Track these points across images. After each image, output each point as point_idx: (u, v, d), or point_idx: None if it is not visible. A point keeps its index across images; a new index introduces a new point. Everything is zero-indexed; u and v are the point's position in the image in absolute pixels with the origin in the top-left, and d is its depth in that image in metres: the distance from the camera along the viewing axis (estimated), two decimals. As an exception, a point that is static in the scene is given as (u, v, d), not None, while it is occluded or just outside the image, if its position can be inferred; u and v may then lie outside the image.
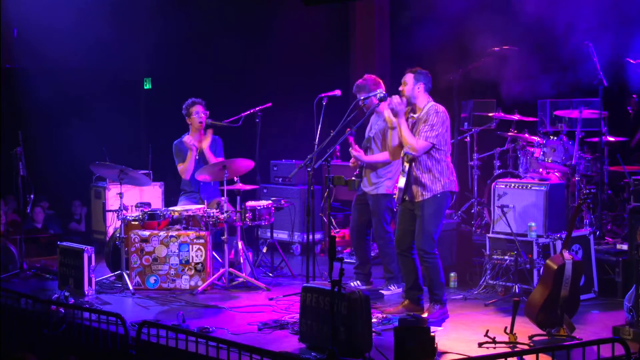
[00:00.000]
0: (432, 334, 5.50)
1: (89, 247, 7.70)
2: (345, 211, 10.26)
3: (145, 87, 12.16)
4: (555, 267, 6.19)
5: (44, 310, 6.79)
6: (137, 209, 8.23)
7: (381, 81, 7.69)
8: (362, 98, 7.53)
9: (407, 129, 6.66)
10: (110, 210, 8.96)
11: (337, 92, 7.83)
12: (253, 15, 11.61)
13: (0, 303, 7.13)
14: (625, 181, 8.38)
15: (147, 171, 9.87)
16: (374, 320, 6.23)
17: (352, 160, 7.74)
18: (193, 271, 7.85)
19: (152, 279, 7.86)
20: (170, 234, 7.87)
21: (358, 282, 7.79)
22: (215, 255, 8.23)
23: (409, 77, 6.77)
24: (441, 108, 6.73)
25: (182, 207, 8.26)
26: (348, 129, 7.29)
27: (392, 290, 7.70)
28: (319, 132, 7.55)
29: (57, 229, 10.64)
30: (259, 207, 8.17)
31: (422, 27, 9.87)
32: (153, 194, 9.87)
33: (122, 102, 11.49)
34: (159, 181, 10.08)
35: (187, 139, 8.49)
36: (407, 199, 6.76)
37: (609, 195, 8.86)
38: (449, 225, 8.29)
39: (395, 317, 6.50)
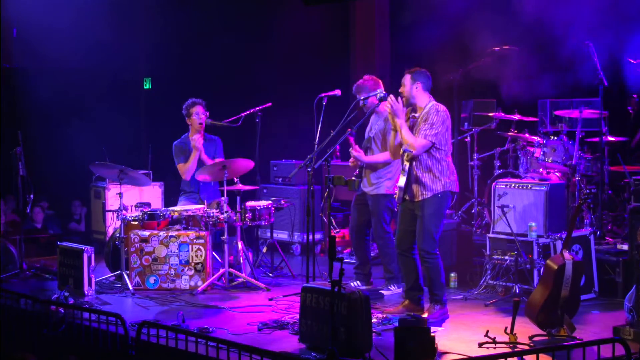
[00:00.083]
0: (432, 334, 5.49)
1: (88, 247, 7.69)
2: (345, 211, 10.25)
3: (145, 87, 12.15)
4: (556, 267, 6.18)
5: (43, 311, 6.78)
6: (137, 209, 8.23)
7: (381, 81, 7.69)
8: (362, 98, 7.53)
9: (406, 128, 6.66)
10: (110, 210, 8.96)
11: (337, 92, 7.83)
12: (253, 15, 11.60)
13: (0, 303, 7.12)
14: (626, 181, 8.37)
15: (147, 171, 9.87)
16: (374, 320, 6.22)
17: (351, 160, 7.74)
18: (193, 271, 7.85)
19: (151, 279, 7.85)
20: (170, 234, 7.86)
21: (358, 282, 7.78)
22: (215, 255, 8.22)
23: (406, 78, 6.78)
24: (442, 107, 6.72)
25: (181, 207, 8.26)
26: (349, 129, 7.29)
27: (392, 291, 7.69)
28: (319, 132, 7.55)
29: (56, 229, 10.63)
30: (258, 207, 8.16)
31: (422, 27, 9.88)
32: (153, 194, 9.86)
33: (122, 102, 11.49)
34: (158, 181, 10.08)
35: (196, 136, 8.46)
36: (407, 198, 6.75)
37: (610, 195, 8.85)
38: (449, 225, 8.29)
39: (395, 317, 6.50)
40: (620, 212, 8.85)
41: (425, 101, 6.77)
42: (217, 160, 8.47)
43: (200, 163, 8.48)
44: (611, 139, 8.79)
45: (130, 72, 11.82)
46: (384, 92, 7.30)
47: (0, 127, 10.21)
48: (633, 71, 8.60)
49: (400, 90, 6.80)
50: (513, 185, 8.03)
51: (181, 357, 5.85)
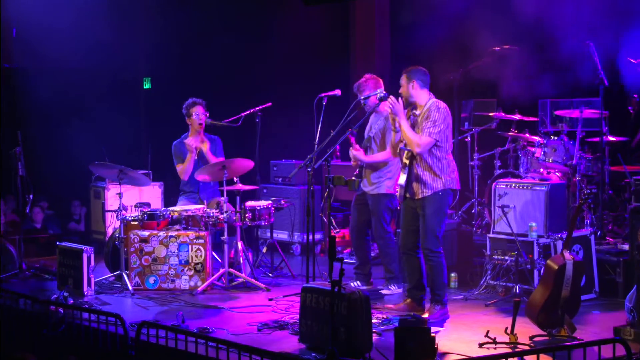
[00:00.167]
0: (432, 334, 5.48)
1: (88, 247, 7.68)
2: (345, 211, 10.24)
3: (144, 87, 12.14)
4: (556, 267, 6.18)
5: (43, 311, 6.78)
6: (137, 209, 8.22)
7: (381, 80, 7.68)
8: (362, 98, 7.53)
9: (409, 128, 6.65)
10: (109, 211, 8.95)
11: (337, 92, 7.81)
12: (253, 15, 11.59)
13: (-1, 303, 7.13)
14: (626, 181, 8.36)
15: (147, 171, 9.86)
16: (374, 320, 6.21)
17: (352, 160, 7.72)
18: (193, 271, 7.84)
19: (151, 279, 7.84)
20: (169, 234, 7.85)
21: (358, 282, 7.77)
22: (215, 255, 8.21)
23: (402, 78, 6.80)
24: (442, 104, 6.72)
25: (181, 207, 8.25)
26: (349, 129, 7.28)
27: (392, 290, 7.68)
28: (319, 132, 7.54)
29: (56, 229, 10.62)
30: (258, 207, 8.15)
31: (422, 27, 9.88)
32: (152, 194, 9.85)
33: (122, 102, 11.47)
34: (158, 181, 10.07)
35: (189, 140, 8.47)
36: (408, 196, 6.75)
37: (610, 195, 8.84)
38: (449, 225, 8.27)
39: (395, 318, 6.50)
40: (621, 212, 8.84)
41: (425, 99, 6.76)
42: (217, 160, 8.45)
43: (204, 161, 8.46)
44: (612, 138, 8.78)
45: (130, 72, 11.81)
46: (384, 92, 7.29)
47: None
48: (633, 71, 8.59)
49: (399, 91, 6.81)
50: (513, 185, 8.02)
51: (181, 357, 5.85)
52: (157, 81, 12.06)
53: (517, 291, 7.38)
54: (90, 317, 6.50)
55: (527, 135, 8.98)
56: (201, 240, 7.82)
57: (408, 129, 6.65)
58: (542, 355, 5.40)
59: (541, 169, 8.43)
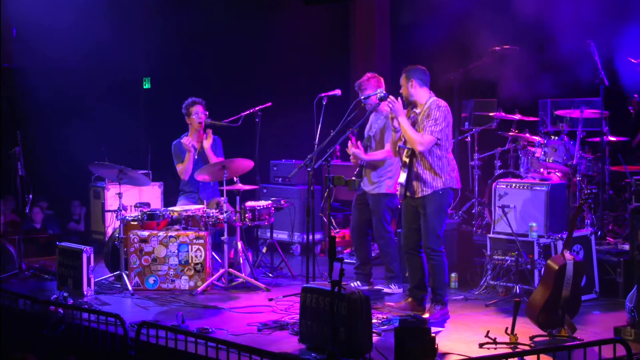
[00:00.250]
0: (433, 334, 5.47)
1: (88, 247, 7.67)
2: (345, 211, 10.24)
3: (144, 87, 12.13)
4: (557, 267, 6.17)
5: (42, 311, 6.77)
6: (136, 209, 8.21)
7: (382, 79, 7.67)
8: (362, 98, 7.52)
9: (409, 126, 6.64)
10: (109, 211, 8.93)
11: (337, 92, 7.81)
12: (253, 15, 11.58)
13: (-1, 303, 7.12)
14: (627, 181, 8.36)
15: (147, 171, 9.85)
16: (374, 320, 6.20)
17: (352, 158, 7.72)
18: (192, 271, 7.83)
19: (151, 280, 7.83)
20: (169, 234, 7.84)
21: (358, 282, 7.76)
22: (215, 255, 8.20)
23: (401, 79, 6.82)
24: (443, 103, 6.72)
25: (181, 207, 8.24)
26: (350, 128, 7.28)
27: (393, 290, 7.67)
28: (319, 132, 7.53)
29: (56, 229, 10.61)
30: (258, 207, 8.14)
31: (422, 27, 9.87)
32: (152, 194, 9.84)
33: (122, 101, 11.46)
34: (158, 181, 10.06)
35: (185, 140, 8.46)
36: (408, 194, 6.74)
37: (610, 196, 8.83)
38: (450, 225, 8.26)
39: (395, 318, 6.49)
40: (621, 212, 8.83)
41: (425, 97, 6.76)
42: (217, 159, 8.44)
43: (206, 160, 8.45)
44: (612, 138, 8.77)
45: (129, 72, 11.79)
46: (384, 91, 7.29)
47: (-1, 127, 10.21)
48: (634, 71, 8.59)
49: (400, 91, 6.81)
50: (514, 185, 8.01)
51: (181, 357, 5.84)
52: (157, 81, 12.05)
53: (518, 291, 7.37)
54: (90, 317, 6.49)
55: (528, 135, 8.97)
56: (201, 241, 7.81)
57: (409, 127, 6.64)
58: (542, 356, 5.39)
59: (541, 169, 8.42)
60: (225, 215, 7.88)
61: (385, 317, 6.69)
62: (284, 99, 10.15)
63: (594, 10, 8.72)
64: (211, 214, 7.89)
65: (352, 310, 5.62)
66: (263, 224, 8.30)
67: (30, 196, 8.69)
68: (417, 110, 6.77)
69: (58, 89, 10.74)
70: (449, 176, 6.70)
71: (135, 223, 8.00)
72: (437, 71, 7.96)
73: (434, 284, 6.78)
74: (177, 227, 7.97)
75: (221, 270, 7.89)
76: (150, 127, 11.99)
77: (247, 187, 8.29)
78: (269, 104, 8.63)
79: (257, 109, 8.60)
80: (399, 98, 6.73)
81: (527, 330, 6.18)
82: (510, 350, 5.85)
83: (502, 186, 8.03)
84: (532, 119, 9.43)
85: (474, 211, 9.38)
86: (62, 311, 6.70)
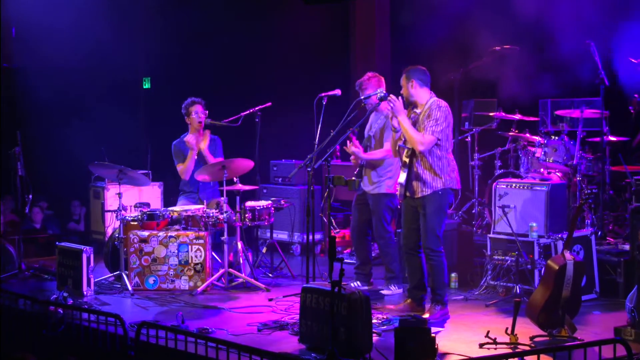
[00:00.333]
0: (433, 334, 5.46)
1: (87, 247, 7.67)
2: (345, 211, 10.24)
3: (144, 87, 12.13)
4: (557, 267, 6.16)
5: (42, 311, 6.77)
6: (136, 209, 8.20)
7: (383, 79, 7.67)
8: (362, 97, 7.52)
9: (410, 125, 6.63)
10: (109, 211, 8.92)
11: (337, 92, 7.80)
12: (253, 15, 11.58)
13: (-1, 304, 7.11)
14: (627, 181, 8.35)
15: (146, 171, 9.85)
16: (374, 321, 6.20)
17: (352, 157, 7.72)
18: (192, 272, 7.82)
19: (151, 280, 7.82)
20: (169, 234, 7.83)
21: (358, 282, 7.76)
22: (215, 255, 8.19)
23: (402, 79, 6.82)
24: (443, 103, 6.72)
25: (181, 207, 8.23)
26: (350, 128, 7.27)
27: (393, 291, 7.67)
28: (319, 132, 7.53)
29: (55, 229, 10.61)
30: (258, 208, 8.13)
31: (422, 27, 9.86)
32: (152, 194, 9.84)
33: (121, 101, 11.46)
34: (158, 181, 10.05)
35: (190, 137, 8.45)
36: (408, 194, 6.74)
37: (611, 196, 8.83)
38: (450, 225, 8.26)
39: (395, 318, 6.48)
40: (622, 212, 8.83)
41: (425, 97, 6.75)
42: (217, 160, 8.44)
43: (203, 161, 8.45)
44: (612, 138, 8.77)
45: (129, 72, 11.79)
46: (384, 91, 7.28)
47: (-1, 127, 10.20)
48: (634, 71, 8.58)
49: (401, 92, 6.81)
50: (514, 185, 8.01)
51: (180, 357, 5.83)
52: (157, 81, 12.04)
53: (518, 291, 7.36)
54: (89, 318, 6.49)
55: (528, 135, 8.97)
56: (201, 241, 7.81)
57: (410, 126, 6.63)
58: (542, 356, 5.38)
59: (542, 169, 8.42)
60: (225, 215, 7.87)
61: (385, 317, 6.69)
62: (284, 99, 10.15)
63: (594, 10, 8.71)
64: (211, 214, 7.88)
65: (352, 310, 5.61)
66: (263, 224, 8.30)
67: (30, 196, 8.69)
68: (418, 111, 6.76)
69: (58, 89, 10.73)
70: (449, 177, 6.70)
71: (135, 223, 8.00)
72: (437, 71, 7.95)
73: (433, 284, 6.78)
74: (177, 227, 7.97)
75: (221, 271, 7.89)
76: (150, 127, 11.98)
77: (247, 187, 8.28)
78: (269, 104, 8.63)
79: (257, 109, 8.60)
80: (400, 97, 6.73)
81: (527, 331, 6.18)
82: (510, 351, 5.85)
83: (502, 186, 8.02)
84: (532, 119, 9.42)
85: (474, 211, 9.38)
86: (61, 311, 6.70)
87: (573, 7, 8.85)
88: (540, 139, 8.57)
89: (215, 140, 8.69)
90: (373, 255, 8.12)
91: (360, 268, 7.83)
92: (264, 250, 8.94)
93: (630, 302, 6.16)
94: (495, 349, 5.91)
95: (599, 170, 8.51)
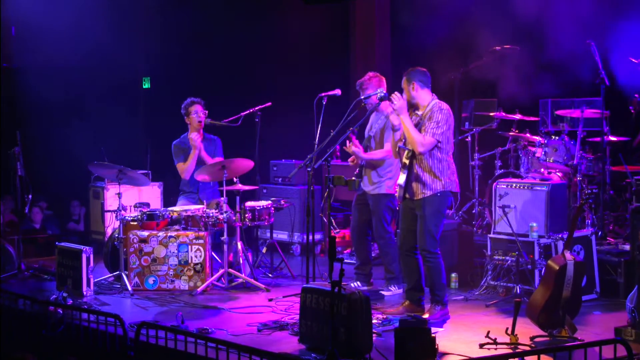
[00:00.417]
0: (433, 335, 5.46)
1: (87, 247, 7.67)
2: (345, 211, 10.23)
3: (144, 87, 12.12)
4: (557, 267, 6.16)
5: (42, 311, 6.76)
6: (136, 209, 8.19)
7: (384, 79, 7.66)
8: (362, 97, 7.51)
9: (412, 126, 6.61)
10: (108, 211, 8.92)
11: (337, 92, 7.80)
12: (253, 15, 11.58)
13: (-2, 304, 7.11)
14: (628, 181, 8.34)
15: (146, 171, 9.84)
16: (374, 321, 6.19)
17: (351, 158, 7.71)
18: (192, 272, 7.81)
19: (151, 280, 7.82)
20: (169, 234, 7.83)
21: (358, 282, 7.75)
22: (215, 255, 8.19)
23: (403, 82, 6.80)
24: (445, 105, 6.70)
25: (181, 208, 8.22)
26: (350, 128, 7.26)
27: (393, 291, 7.66)
28: (319, 132, 7.52)
29: (55, 229, 10.61)
30: (258, 208, 8.13)
31: (422, 27, 9.86)
32: (152, 194, 9.83)
33: (121, 101, 11.46)
34: (157, 181, 10.05)
35: (193, 135, 8.41)
36: (407, 196, 6.73)
37: (611, 196, 8.82)
38: (450, 225, 8.26)
39: (395, 318, 6.48)
40: (622, 213, 8.82)
41: (427, 99, 6.74)
42: (217, 160, 8.43)
43: (201, 162, 8.44)
44: (613, 138, 8.76)
45: (129, 72, 11.79)
46: (385, 91, 7.28)
47: (-2, 127, 10.20)
48: (635, 70, 8.58)
49: (403, 95, 6.79)
50: (514, 185, 8.00)
51: (180, 358, 5.83)
52: (157, 81, 12.04)
53: (518, 291, 7.36)
54: (89, 318, 6.48)
55: (528, 135, 8.97)
56: (201, 241, 7.80)
57: (411, 126, 6.61)
58: (543, 356, 5.37)
59: (542, 169, 8.41)
60: (225, 215, 7.86)
61: (385, 317, 6.68)
62: (284, 99, 10.14)
63: (594, 10, 8.71)
64: (211, 214, 7.87)
65: (352, 310, 5.61)
66: (263, 224, 8.29)
67: (30, 196, 8.68)
68: (419, 113, 6.75)
69: (58, 89, 10.73)
70: (448, 179, 6.68)
71: (135, 223, 7.99)
72: (438, 71, 7.95)
73: (432, 286, 6.77)
74: (176, 227, 7.96)
75: (221, 271, 7.88)
76: (149, 127, 11.97)
77: (247, 187, 8.28)
78: (269, 104, 8.62)
79: (257, 109, 8.60)
80: (402, 95, 6.70)
81: (527, 331, 6.17)
82: (510, 351, 5.84)
83: (503, 186, 8.02)
84: (532, 118, 9.42)
85: (474, 211, 9.37)
86: (61, 311, 6.69)
87: (573, 7, 8.84)
88: (540, 139, 8.57)
89: (215, 140, 8.68)
90: (373, 255, 8.11)
91: (360, 268, 7.82)
92: (264, 250, 8.94)
93: (630, 303, 6.15)
94: (496, 349, 5.91)
95: (600, 170, 8.50)
